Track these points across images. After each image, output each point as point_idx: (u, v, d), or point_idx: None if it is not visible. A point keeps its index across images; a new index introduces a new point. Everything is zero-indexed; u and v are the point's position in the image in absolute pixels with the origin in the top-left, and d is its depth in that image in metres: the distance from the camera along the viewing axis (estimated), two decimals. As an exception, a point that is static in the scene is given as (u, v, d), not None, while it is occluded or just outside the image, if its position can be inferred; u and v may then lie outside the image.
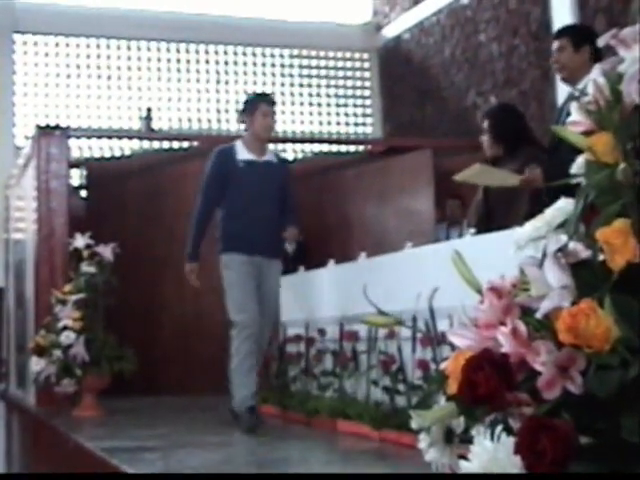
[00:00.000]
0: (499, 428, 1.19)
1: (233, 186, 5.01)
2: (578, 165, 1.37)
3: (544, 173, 4.01)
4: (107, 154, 10.26)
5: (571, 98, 3.73)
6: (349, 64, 11.74)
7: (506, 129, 4.64)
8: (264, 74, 11.40)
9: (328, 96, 11.62)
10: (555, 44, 4.20)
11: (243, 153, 5.07)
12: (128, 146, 10.20)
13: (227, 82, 11.30)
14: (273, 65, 11.43)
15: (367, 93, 11.71)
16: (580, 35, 4.19)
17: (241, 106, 5.30)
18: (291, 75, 11.50)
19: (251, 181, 5.01)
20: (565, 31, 4.37)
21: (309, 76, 11.61)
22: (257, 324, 4.89)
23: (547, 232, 1.41)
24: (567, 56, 4.12)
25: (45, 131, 7.25)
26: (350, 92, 11.73)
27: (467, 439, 1.29)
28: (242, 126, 5.48)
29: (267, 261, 5.04)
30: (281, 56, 11.49)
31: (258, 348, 4.96)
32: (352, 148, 10.22)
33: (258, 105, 5.09)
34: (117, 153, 10.24)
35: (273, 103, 5.20)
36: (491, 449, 1.17)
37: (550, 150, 4.08)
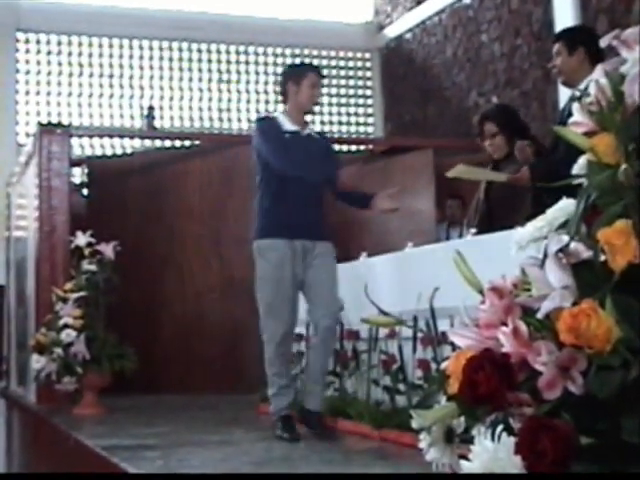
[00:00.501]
0: (500, 428, 1.20)
1: None
2: (580, 166, 1.37)
3: (540, 173, 4.01)
4: (109, 152, 10.26)
5: (573, 99, 3.74)
6: (351, 63, 11.73)
7: (516, 128, 4.66)
8: (266, 73, 11.39)
9: (330, 95, 11.60)
10: (554, 49, 4.24)
11: (287, 124, 4.59)
12: (130, 144, 10.20)
13: (229, 81, 11.29)
14: (275, 64, 11.42)
15: (369, 93, 11.71)
16: (573, 38, 4.22)
17: (285, 73, 4.77)
18: (293, 74, 11.48)
19: (297, 154, 4.53)
20: (559, 35, 4.43)
21: (311, 75, 11.59)
22: (290, 334, 4.53)
23: (548, 232, 1.41)
24: (562, 60, 4.15)
25: (47, 129, 7.25)
26: (352, 92, 11.72)
27: (468, 439, 1.29)
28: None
29: (312, 243, 4.50)
30: (283, 55, 11.48)
31: (289, 352, 4.65)
32: (353, 148, 10.21)
33: (306, 74, 4.62)
34: (119, 151, 10.24)
35: (322, 75, 4.78)
36: (492, 449, 1.17)
37: (550, 150, 4.09)
